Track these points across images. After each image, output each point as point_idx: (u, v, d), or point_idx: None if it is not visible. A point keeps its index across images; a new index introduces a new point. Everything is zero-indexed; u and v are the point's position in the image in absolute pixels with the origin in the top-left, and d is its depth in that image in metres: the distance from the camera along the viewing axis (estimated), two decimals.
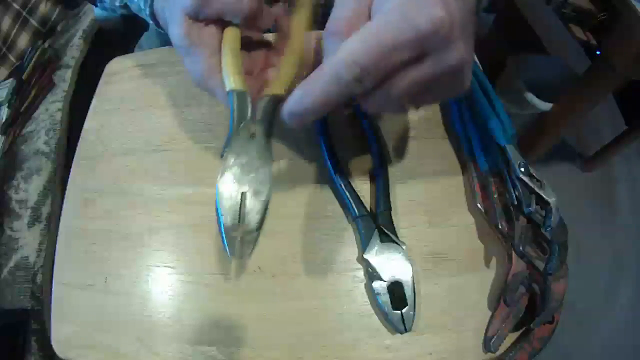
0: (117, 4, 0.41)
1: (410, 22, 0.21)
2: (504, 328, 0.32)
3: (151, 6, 0.35)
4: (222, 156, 0.26)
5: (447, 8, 0.21)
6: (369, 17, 0.24)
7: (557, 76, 1.18)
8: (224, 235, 0.26)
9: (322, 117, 0.40)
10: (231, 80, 0.29)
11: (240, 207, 0.26)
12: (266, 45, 0.35)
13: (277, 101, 0.28)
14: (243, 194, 0.26)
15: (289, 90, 0.28)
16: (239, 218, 0.26)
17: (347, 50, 0.22)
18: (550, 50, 1.18)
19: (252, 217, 0.26)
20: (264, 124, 0.28)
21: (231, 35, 0.31)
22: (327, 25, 0.25)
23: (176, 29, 0.30)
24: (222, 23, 0.31)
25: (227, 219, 0.25)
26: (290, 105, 0.24)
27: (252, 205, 0.26)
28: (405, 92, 0.24)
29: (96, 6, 0.44)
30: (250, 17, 0.30)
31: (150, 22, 0.37)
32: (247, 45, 0.33)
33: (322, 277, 0.34)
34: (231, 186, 0.26)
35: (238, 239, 0.26)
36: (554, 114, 1.01)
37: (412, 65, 0.22)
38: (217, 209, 0.26)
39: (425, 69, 0.23)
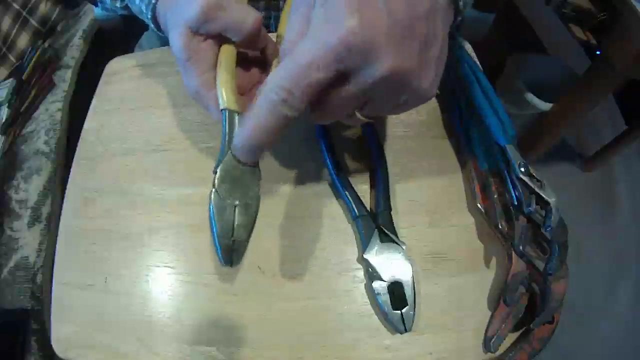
0: (118, 4, 0.40)
1: (321, 39, 0.20)
2: (503, 328, 0.32)
3: (153, 10, 0.35)
4: (214, 172, 0.28)
5: (362, 17, 0.20)
6: None
7: (557, 76, 1.18)
8: (217, 246, 0.28)
9: None
10: (224, 99, 0.30)
11: (233, 220, 0.28)
12: (261, 62, 0.35)
13: None
14: (235, 207, 0.28)
15: None
16: (232, 230, 0.28)
17: (274, 75, 0.22)
18: (550, 50, 1.18)
19: (242, 229, 0.28)
20: None
21: (228, 52, 0.32)
22: (280, 48, 0.25)
23: (176, 40, 0.30)
24: (220, 39, 0.31)
25: (221, 230, 0.27)
26: (235, 141, 0.25)
27: (242, 219, 0.28)
28: (342, 108, 0.24)
29: (96, 6, 0.44)
30: (250, 37, 0.31)
31: (152, 25, 0.37)
32: (242, 61, 0.34)
33: (322, 277, 0.34)
34: (223, 200, 0.28)
35: (230, 248, 0.28)
36: (554, 114, 1.01)
37: (340, 82, 0.22)
38: (210, 221, 0.28)
39: (351, 87, 0.22)
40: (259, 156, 0.27)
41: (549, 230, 0.32)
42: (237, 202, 0.28)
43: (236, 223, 0.28)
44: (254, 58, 0.35)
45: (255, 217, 0.28)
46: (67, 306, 0.34)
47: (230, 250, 0.28)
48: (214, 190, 0.28)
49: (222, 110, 0.29)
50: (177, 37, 0.30)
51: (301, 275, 0.34)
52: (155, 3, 0.35)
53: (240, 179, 0.28)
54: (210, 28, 0.30)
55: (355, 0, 0.20)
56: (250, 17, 0.30)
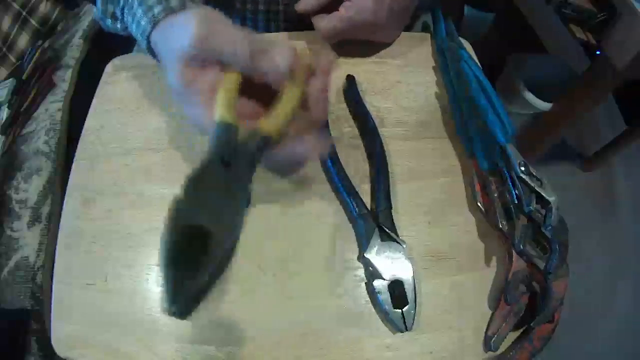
0: (119, 26, 0.40)
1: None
2: (504, 327, 0.32)
3: (148, 39, 0.34)
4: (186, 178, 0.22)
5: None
6: None
7: (557, 76, 1.18)
8: (164, 279, 0.20)
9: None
10: (219, 112, 0.26)
11: (194, 249, 0.20)
12: (271, 90, 0.31)
13: (267, 142, 0.25)
14: (204, 233, 0.21)
15: (281, 133, 0.26)
16: (192, 262, 0.20)
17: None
18: (550, 50, 1.18)
19: (201, 268, 0.20)
20: (247, 164, 0.24)
21: (230, 80, 0.29)
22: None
23: (171, 73, 0.30)
24: (221, 66, 0.30)
25: (169, 261, 0.20)
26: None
27: (209, 248, 0.20)
28: None
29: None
30: (247, 64, 0.29)
31: (149, 54, 0.36)
32: (252, 89, 0.31)
33: (323, 276, 0.34)
34: (185, 218, 0.21)
35: (183, 285, 0.20)
36: (554, 114, 1.01)
37: None
38: (161, 245, 0.21)
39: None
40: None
41: (549, 229, 0.32)
42: (207, 226, 0.20)
43: (199, 254, 0.20)
44: (264, 85, 0.31)
45: (231, 248, 0.21)
46: (67, 306, 0.34)
47: (181, 291, 0.20)
48: (176, 200, 0.21)
49: (217, 124, 0.26)
50: (171, 70, 0.30)
51: (301, 274, 0.34)
52: (150, 33, 0.33)
53: (218, 196, 0.22)
54: (203, 59, 0.29)
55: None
56: (244, 45, 0.28)
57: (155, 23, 0.33)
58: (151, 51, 0.35)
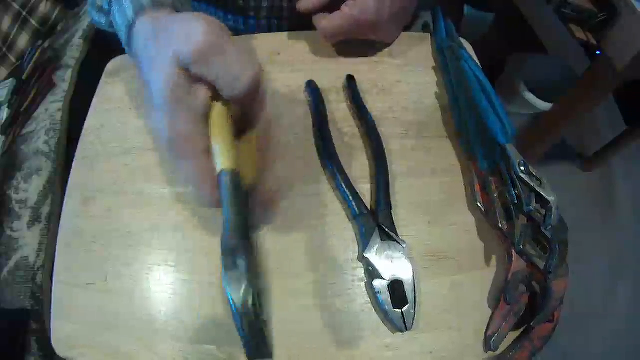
0: (103, 21, 0.38)
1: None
2: (504, 327, 0.32)
3: (129, 30, 0.31)
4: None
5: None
6: None
7: (557, 76, 1.18)
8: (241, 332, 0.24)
9: (322, 116, 0.40)
10: (224, 160, 0.24)
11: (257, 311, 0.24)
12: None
13: (237, 176, 0.24)
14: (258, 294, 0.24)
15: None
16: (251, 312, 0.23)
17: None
18: (550, 50, 1.18)
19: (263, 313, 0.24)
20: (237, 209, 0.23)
21: (221, 114, 0.27)
22: None
23: (161, 77, 0.25)
24: (213, 88, 0.26)
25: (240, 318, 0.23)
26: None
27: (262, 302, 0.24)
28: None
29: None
30: (241, 98, 0.26)
31: (126, 48, 0.34)
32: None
33: (323, 276, 0.34)
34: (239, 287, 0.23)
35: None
36: (554, 114, 1.01)
37: None
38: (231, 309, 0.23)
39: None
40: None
41: (549, 228, 0.32)
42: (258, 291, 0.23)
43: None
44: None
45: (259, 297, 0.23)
46: (67, 305, 0.34)
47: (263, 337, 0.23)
48: (223, 272, 0.22)
49: (220, 172, 0.24)
50: (159, 72, 0.26)
51: (301, 274, 0.34)
52: (132, 22, 0.31)
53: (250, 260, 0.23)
54: (202, 72, 0.25)
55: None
56: (246, 74, 0.25)
57: (141, 12, 0.31)
58: (129, 45, 0.32)
